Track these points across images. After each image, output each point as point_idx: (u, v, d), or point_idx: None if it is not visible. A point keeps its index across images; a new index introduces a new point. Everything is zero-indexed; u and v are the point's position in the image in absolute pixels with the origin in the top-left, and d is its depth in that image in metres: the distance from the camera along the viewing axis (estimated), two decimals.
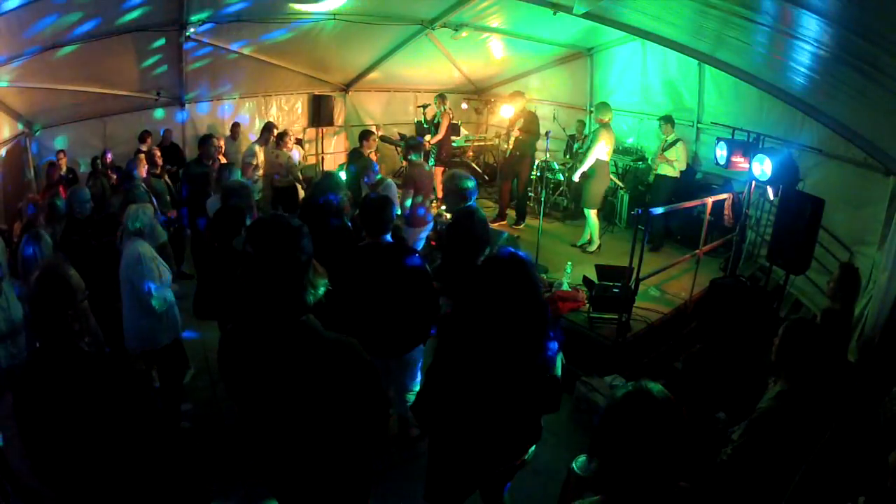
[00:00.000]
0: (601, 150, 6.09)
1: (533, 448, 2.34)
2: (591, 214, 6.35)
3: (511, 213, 7.43)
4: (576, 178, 6.18)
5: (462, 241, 3.38)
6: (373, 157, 6.33)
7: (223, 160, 6.65)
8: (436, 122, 7.98)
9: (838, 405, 2.28)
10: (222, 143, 7.00)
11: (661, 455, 1.26)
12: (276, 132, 6.99)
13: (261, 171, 6.70)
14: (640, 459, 1.27)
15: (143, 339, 3.42)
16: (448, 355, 2.17)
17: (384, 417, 1.87)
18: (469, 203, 3.63)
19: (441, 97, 7.93)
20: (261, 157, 6.71)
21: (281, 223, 1.68)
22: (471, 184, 3.66)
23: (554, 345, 2.19)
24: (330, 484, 1.79)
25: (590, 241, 6.52)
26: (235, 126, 7.69)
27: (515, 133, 6.97)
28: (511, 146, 7.12)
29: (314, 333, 1.67)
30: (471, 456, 2.20)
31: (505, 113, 7.22)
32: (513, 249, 2.19)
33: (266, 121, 7.64)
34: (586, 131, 7.15)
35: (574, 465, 2.03)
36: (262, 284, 1.63)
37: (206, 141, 5.83)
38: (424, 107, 8.40)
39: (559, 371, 2.24)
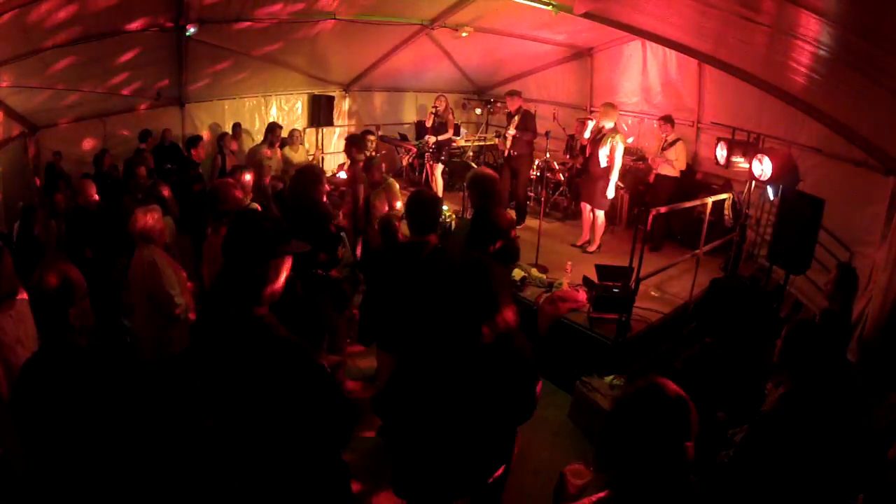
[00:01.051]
0: (621, 156, 6.02)
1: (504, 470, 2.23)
2: (601, 216, 6.34)
3: (511, 213, 7.43)
4: (611, 193, 6.08)
5: (486, 237, 3.29)
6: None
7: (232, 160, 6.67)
8: (442, 121, 7.97)
9: (840, 406, 2.28)
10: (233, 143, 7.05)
11: (672, 448, 1.26)
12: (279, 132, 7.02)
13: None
14: (651, 452, 1.27)
15: (159, 347, 3.29)
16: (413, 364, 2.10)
17: (343, 422, 1.80)
18: (489, 200, 3.47)
19: (442, 98, 7.96)
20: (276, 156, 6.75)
21: (245, 217, 1.71)
22: (487, 180, 3.52)
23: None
24: (290, 488, 1.75)
25: (589, 241, 6.52)
26: (237, 126, 7.68)
27: (512, 132, 6.97)
28: (509, 145, 7.12)
29: (265, 330, 1.66)
30: (432, 467, 2.10)
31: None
32: (468, 256, 2.12)
33: (270, 122, 7.64)
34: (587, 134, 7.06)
35: (567, 471, 1.99)
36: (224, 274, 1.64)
37: (196, 142, 5.85)
38: (436, 108, 8.38)
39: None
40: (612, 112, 6.04)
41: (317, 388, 1.67)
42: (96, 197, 4.26)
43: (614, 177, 5.99)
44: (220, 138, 7.02)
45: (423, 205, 2.97)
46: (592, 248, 6.43)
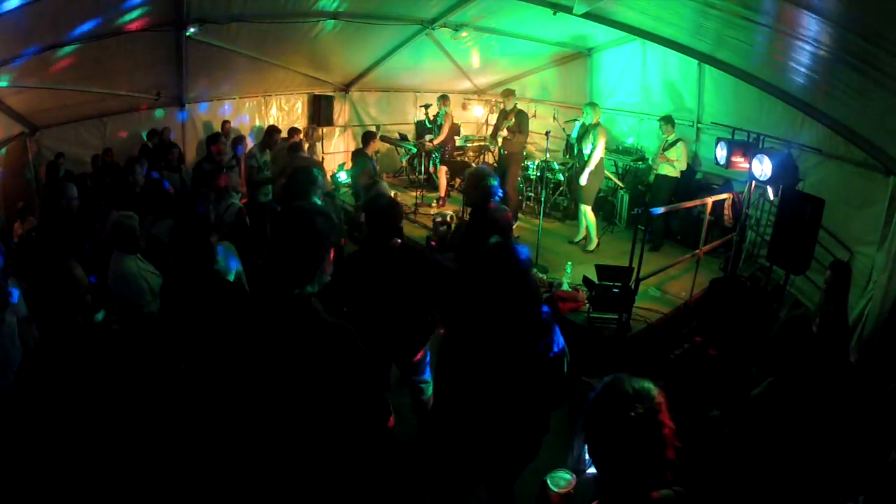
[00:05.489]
0: (601, 150, 6.18)
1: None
2: (587, 211, 6.37)
3: None
4: (583, 181, 6.19)
5: (485, 235, 3.30)
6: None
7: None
8: (439, 123, 7.98)
9: (831, 402, 2.29)
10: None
11: (634, 453, 1.25)
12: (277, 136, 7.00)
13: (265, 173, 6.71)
14: (612, 457, 1.27)
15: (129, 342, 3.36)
16: (453, 350, 2.19)
17: (379, 410, 1.88)
18: (493, 199, 3.56)
19: (444, 98, 7.94)
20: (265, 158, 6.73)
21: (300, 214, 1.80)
22: (494, 181, 3.60)
23: (560, 339, 2.20)
24: (324, 471, 1.79)
25: (587, 239, 6.53)
26: (226, 123, 7.62)
27: (503, 133, 6.96)
28: (500, 144, 7.13)
29: (315, 314, 1.73)
30: (476, 451, 2.20)
31: (477, 112, 6.90)
32: (498, 241, 2.23)
33: (269, 124, 7.62)
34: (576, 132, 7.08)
35: (548, 479, 1.94)
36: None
37: (216, 139, 5.85)
38: (426, 106, 8.41)
39: (565, 367, 2.25)
40: (591, 111, 6.18)
41: (362, 372, 1.75)
42: (77, 200, 4.31)
43: (589, 167, 6.13)
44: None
45: (378, 211, 2.99)
46: (591, 246, 6.45)
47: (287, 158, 6.38)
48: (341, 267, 3.20)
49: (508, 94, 7.09)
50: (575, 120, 7.02)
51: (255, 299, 1.84)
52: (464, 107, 10.19)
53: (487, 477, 2.39)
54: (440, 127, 7.94)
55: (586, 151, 6.18)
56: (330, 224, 1.77)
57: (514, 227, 6.94)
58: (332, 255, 1.83)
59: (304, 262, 1.72)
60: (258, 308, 1.81)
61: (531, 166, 7.72)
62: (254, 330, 1.78)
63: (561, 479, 1.91)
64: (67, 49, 5.26)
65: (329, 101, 8.76)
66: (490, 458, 2.24)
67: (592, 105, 6.28)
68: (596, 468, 1.33)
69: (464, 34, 7.23)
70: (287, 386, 1.69)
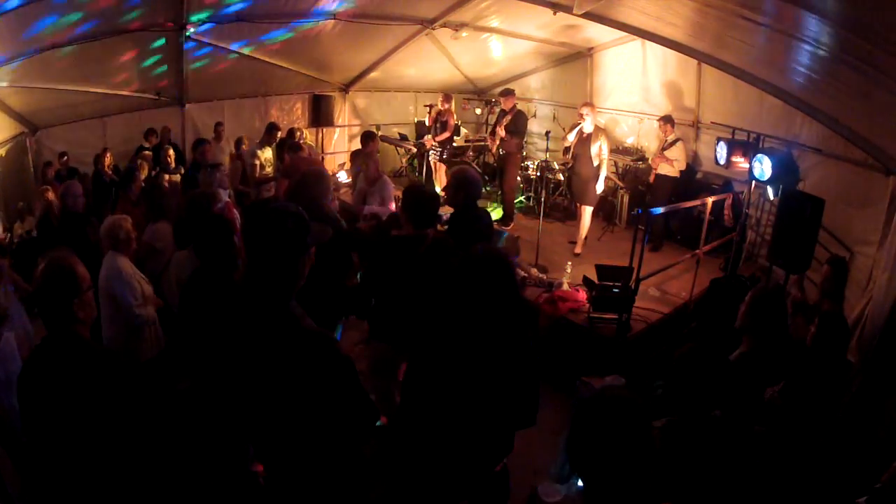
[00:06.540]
0: (607, 153, 6.22)
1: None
2: (587, 213, 6.37)
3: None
4: (600, 188, 6.26)
5: (462, 235, 3.31)
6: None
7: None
8: (441, 121, 7.97)
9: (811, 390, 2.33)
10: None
11: (620, 467, 1.25)
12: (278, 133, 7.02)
13: (268, 169, 6.72)
14: (590, 466, 1.27)
15: (126, 353, 3.26)
16: (424, 357, 2.11)
17: (363, 417, 1.82)
18: (474, 199, 3.59)
19: (446, 97, 7.94)
20: (266, 156, 6.76)
21: (270, 212, 1.72)
22: (477, 182, 3.61)
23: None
24: (310, 477, 1.77)
25: (577, 239, 6.54)
26: (219, 126, 7.63)
27: (501, 133, 6.96)
28: (498, 144, 7.12)
29: (294, 322, 1.68)
30: (439, 464, 2.10)
31: (476, 112, 7.44)
32: (488, 248, 2.14)
33: (269, 122, 7.61)
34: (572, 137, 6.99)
35: (539, 489, 1.93)
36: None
37: (200, 144, 5.87)
38: (430, 107, 8.39)
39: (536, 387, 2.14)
40: (591, 114, 6.17)
41: (342, 380, 1.68)
42: (83, 198, 4.33)
43: (604, 172, 6.19)
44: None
45: (420, 199, 3.03)
46: (578, 249, 6.43)
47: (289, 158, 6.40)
48: (375, 252, 3.24)
49: (507, 93, 7.09)
50: (575, 126, 7.03)
51: (237, 304, 1.78)
52: (463, 107, 10.17)
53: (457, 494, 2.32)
54: (442, 125, 7.92)
55: (594, 154, 6.14)
56: (304, 226, 1.69)
57: (512, 225, 7.06)
58: (311, 258, 1.74)
59: (276, 264, 1.66)
60: (238, 314, 1.74)
61: (531, 166, 7.70)
62: (234, 336, 1.72)
63: (552, 489, 1.91)
64: (67, 49, 5.26)
65: (329, 101, 8.75)
66: (454, 475, 2.12)
67: (590, 106, 6.24)
68: (581, 480, 1.33)
69: (464, 34, 7.22)
70: (267, 395, 1.65)
